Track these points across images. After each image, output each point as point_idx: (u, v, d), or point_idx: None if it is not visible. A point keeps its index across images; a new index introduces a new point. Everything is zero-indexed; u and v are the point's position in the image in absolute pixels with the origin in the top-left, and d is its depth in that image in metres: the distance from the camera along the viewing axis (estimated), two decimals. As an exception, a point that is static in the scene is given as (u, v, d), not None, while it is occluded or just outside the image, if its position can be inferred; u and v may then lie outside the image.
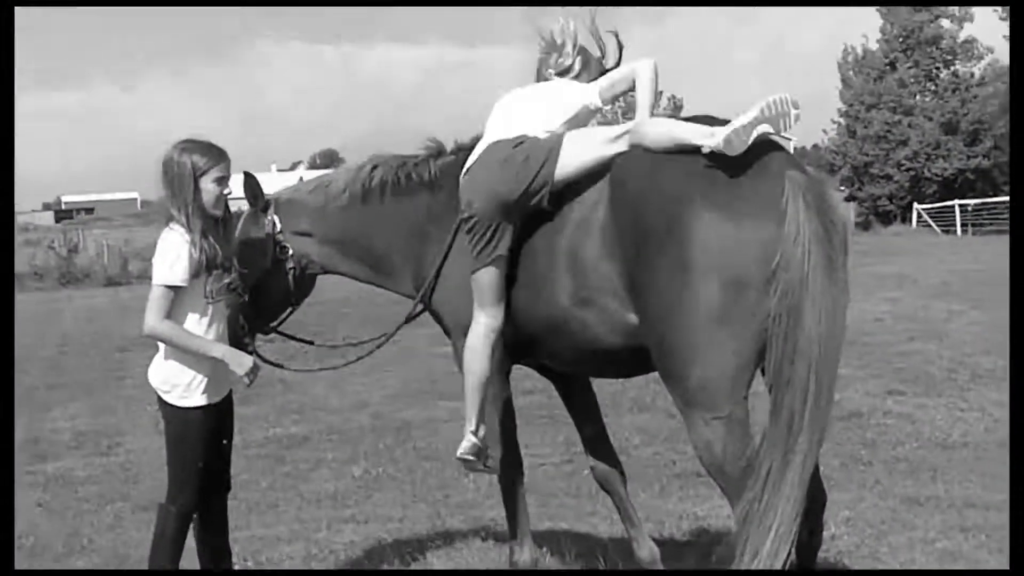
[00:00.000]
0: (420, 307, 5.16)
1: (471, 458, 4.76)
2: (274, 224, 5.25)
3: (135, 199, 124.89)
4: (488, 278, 4.54)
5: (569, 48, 4.81)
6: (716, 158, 3.86)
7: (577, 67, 4.80)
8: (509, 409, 5.00)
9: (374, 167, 5.21)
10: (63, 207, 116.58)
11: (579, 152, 4.33)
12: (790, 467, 3.64)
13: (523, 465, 5.19)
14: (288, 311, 5.47)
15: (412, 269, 5.15)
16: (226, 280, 4.86)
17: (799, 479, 3.65)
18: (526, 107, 4.66)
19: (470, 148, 4.87)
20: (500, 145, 4.54)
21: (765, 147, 3.92)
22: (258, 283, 5.19)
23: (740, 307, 3.70)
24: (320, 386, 12.13)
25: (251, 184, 5.25)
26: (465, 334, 4.81)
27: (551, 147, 4.40)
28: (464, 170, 4.69)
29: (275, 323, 5.45)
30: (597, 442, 5.27)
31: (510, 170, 4.41)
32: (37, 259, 33.13)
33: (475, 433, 4.73)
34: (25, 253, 34.25)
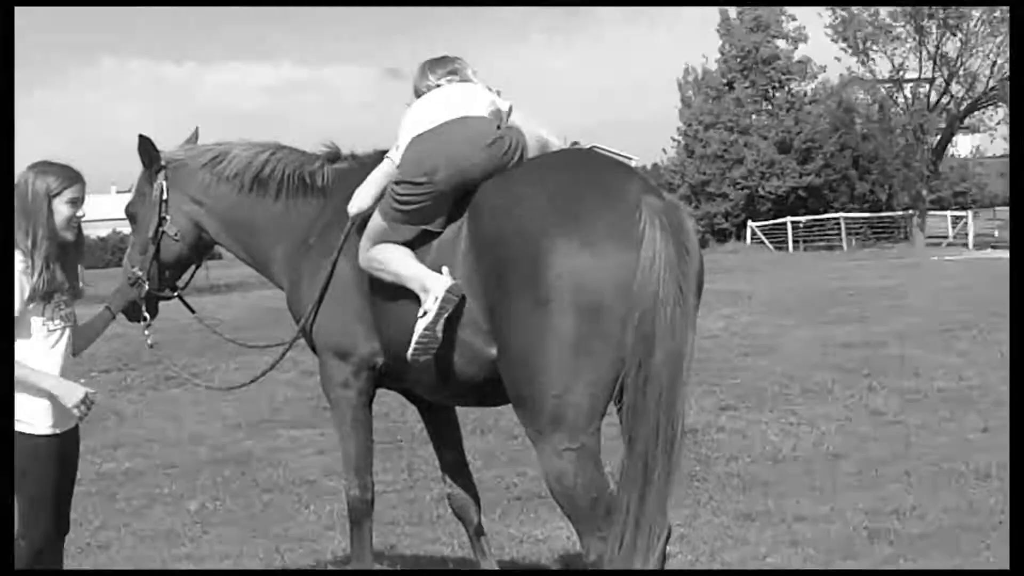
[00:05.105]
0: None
1: (453, 298, 4.12)
2: (162, 189, 5.15)
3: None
4: (398, 235, 4.33)
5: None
6: (573, 186, 3.85)
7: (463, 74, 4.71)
8: (369, 436, 4.88)
9: (272, 154, 5.10)
10: None
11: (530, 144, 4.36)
12: (647, 501, 3.64)
13: (374, 494, 5.10)
14: (192, 270, 5.47)
15: (288, 275, 5.06)
16: (67, 310, 4.68)
17: (657, 511, 3.65)
18: (461, 96, 4.50)
19: (365, 158, 4.84)
20: (476, 121, 4.34)
21: (623, 173, 3.95)
22: (154, 243, 5.17)
23: (597, 335, 3.67)
24: (157, 419, 11.81)
25: (145, 145, 5.17)
26: (336, 355, 4.75)
27: (518, 135, 4.33)
28: (411, 138, 4.40)
29: (179, 283, 5.41)
30: (456, 468, 5.27)
31: (495, 150, 4.22)
32: None
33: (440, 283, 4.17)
34: None
